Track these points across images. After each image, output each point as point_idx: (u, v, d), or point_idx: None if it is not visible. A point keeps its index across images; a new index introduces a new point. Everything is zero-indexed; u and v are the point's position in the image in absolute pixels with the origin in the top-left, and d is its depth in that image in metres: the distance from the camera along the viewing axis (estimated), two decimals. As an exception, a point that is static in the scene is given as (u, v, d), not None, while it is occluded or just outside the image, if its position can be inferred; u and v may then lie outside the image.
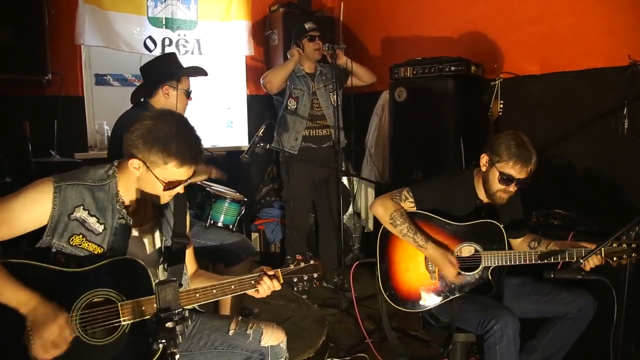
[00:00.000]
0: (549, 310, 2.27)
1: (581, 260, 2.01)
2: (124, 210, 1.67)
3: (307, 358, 2.78)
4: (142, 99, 2.78)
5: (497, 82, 3.27)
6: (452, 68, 3.35)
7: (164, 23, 4.22)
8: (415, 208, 2.31)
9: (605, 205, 2.88)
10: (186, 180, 1.68)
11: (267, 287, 1.74)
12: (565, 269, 2.08)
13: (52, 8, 3.55)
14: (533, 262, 2.18)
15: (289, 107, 3.86)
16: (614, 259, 2.09)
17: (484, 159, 2.26)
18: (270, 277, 1.75)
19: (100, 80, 4.27)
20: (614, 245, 2.07)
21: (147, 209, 1.79)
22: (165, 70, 2.76)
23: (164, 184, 1.63)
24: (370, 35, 4.67)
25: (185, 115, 2.78)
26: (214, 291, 1.69)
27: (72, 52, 3.89)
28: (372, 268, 2.37)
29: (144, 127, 1.59)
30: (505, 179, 2.18)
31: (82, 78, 4.00)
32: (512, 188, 2.20)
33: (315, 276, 1.83)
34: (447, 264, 2.20)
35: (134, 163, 1.61)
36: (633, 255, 2.08)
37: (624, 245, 2.08)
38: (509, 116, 3.27)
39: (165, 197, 1.71)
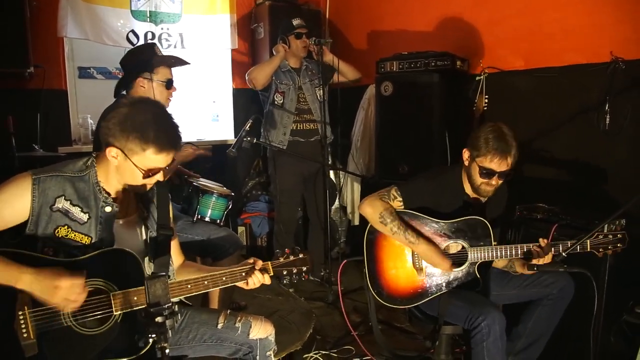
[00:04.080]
0: (532, 293, 2.33)
1: (564, 254, 2.05)
2: (109, 198, 1.67)
3: (295, 351, 2.80)
4: (123, 92, 2.76)
5: (482, 76, 3.30)
6: (438, 63, 3.37)
7: (148, 16, 4.17)
8: (403, 207, 2.32)
9: (587, 199, 2.94)
10: (166, 167, 1.68)
11: (257, 280, 1.75)
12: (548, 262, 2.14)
13: (33, -1, 3.50)
14: (519, 256, 2.22)
15: (275, 102, 3.86)
16: (600, 250, 2.14)
17: (465, 154, 2.28)
18: (260, 270, 1.76)
19: (84, 73, 4.21)
20: (600, 237, 2.12)
21: (130, 201, 1.79)
22: (139, 61, 2.72)
23: (143, 172, 1.62)
24: (356, 29, 4.67)
25: (170, 107, 2.79)
26: (206, 282, 1.70)
27: (55, 45, 3.83)
28: (358, 263, 2.39)
29: (120, 115, 1.58)
30: (486, 173, 2.19)
31: (65, 71, 3.95)
32: (495, 181, 2.22)
33: (304, 269, 1.85)
34: (441, 261, 2.22)
35: (111, 152, 1.60)
36: (618, 245, 2.14)
37: (610, 236, 2.13)
38: (494, 111, 3.30)
39: (146, 185, 1.70)
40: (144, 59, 2.72)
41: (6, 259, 1.47)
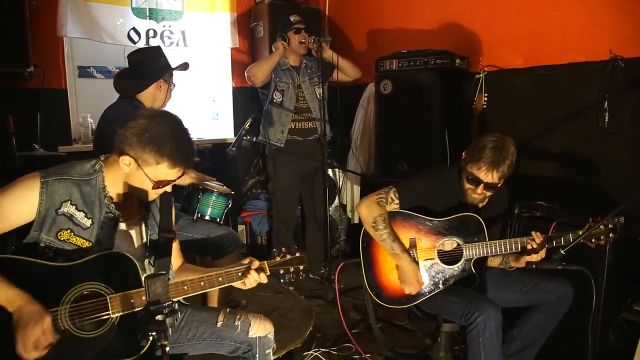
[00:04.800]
0: (530, 299, 2.33)
1: (562, 251, 2.05)
2: (112, 205, 1.68)
3: (294, 349, 2.80)
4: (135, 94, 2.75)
5: (481, 75, 3.30)
6: (437, 61, 3.38)
7: (147, 14, 4.17)
8: (399, 207, 2.32)
9: (586, 197, 2.95)
10: (174, 180, 1.69)
11: (253, 279, 1.76)
12: (546, 260, 2.14)
13: (33, -1, 3.50)
14: (514, 251, 2.22)
15: (274, 100, 3.86)
16: (592, 240, 2.15)
17: (463, 156, 2.28)
18: (256, 270, 1.77)
19: (84, 72, 4.22)
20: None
21: (133, 204, 1.79)
22: (160, 64, 2.75)
23: (153, 183, 1.65)
24: (355, 28, 4.67)
25: (170, 106, 2.80)
26: (202, 283, 1.71)
27: (54, 44, 3.83)
28: (357, 263, 2.40)
29: (139, 126, 1.60)
30: (471, 179, 2.19)
31: (64, 70, 3.95)
32: (480, 190, 2.20)
33: (301, 268, 1.86)
34: (414, 281, 2.24)
35: (124, 160, 1.61)
36: (610, 235, 2.15)
37: (602, 227, 2.13)
38: (493, 109, 3.31)
39: (153, 194, 1.72)
40: (163, 62, 2.76)
41: (4, 279, 1.46)
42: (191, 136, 1.70)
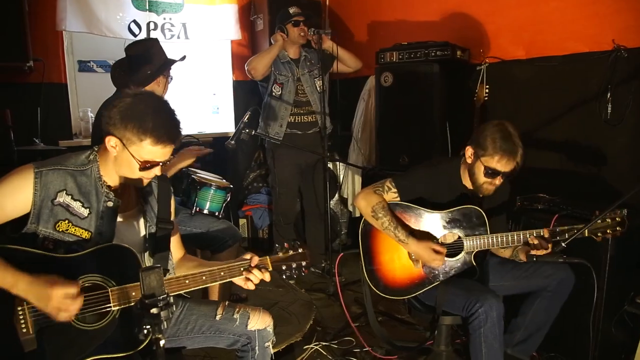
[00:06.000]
0: (531, 284, 2.32)
1: (563, 244, 2.03)
2: (111, 193, 1.67)
3: (295, 342, 2.80)
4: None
5: (482, 66, 3.27)
6: (438, 53, 3.35)
7: (147, 7, 4.15)
8: (399, 198, 2.30)
9: (588, 189, 2.92)
10: (164, 163, 1.67)
11: (255, 278, 1.74)
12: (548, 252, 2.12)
13: (31, -7, 3.48)
14: (515, 244, 2.21)
15: (273, 93, 3.84)
16: (598, 234, 2.12)
17: (469, 152, 2.23)
18: (259, 268, 1.74)
19: (84, 67, 4.20)
20: (598, 221, 2.09)
21: (130, 195, 1.78)
22: (160, 60, 2.74)
23: (139, 163, 1.61)
24: (356, 20, 4.64)
25: (170, 99, 2.77)
26: (204, 277, 1.69)
27: (54, 38, 3.81)
28: (358, 255, 2.38)
29: (122, 104, 1.59)
30: (491, 173, 2.16)
31: (64, 65, 3.93)
32: (498, 181, 2.19)
33: (303, 264, 1.83)
34: (432, 255, 2.20)
35: (110, 141, 1.60)
36: (617, 229, 2.11)
37: (608, 220, 2.10)
38: (495, 101, 3.28)
39: (144, 178, 1.69)
40: (162, 58, 2.75)
41: (4, 262, 1.46)
42: (177, 116, 1.67)
